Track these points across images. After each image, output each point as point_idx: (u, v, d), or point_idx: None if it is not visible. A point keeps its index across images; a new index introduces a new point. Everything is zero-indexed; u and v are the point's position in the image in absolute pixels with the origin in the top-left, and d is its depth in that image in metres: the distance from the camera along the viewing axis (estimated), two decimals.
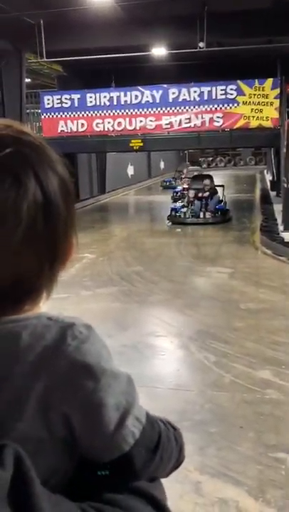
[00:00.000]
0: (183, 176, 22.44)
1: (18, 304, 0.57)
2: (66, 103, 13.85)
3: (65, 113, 13.88)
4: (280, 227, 10.37)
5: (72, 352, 0.55)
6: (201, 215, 12.19)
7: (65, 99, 13.87)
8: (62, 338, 0.55)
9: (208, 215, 12.20)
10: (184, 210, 12.43)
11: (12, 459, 0.45)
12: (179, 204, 13.13)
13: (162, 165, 34.39)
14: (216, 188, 13.14)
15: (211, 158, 40.49)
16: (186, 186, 15.65)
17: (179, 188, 17.32)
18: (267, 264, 8.22)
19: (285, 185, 10.60)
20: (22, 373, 0.53)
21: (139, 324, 5.49)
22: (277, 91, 12.59)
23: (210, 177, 13.60)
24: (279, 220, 11.00)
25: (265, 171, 28.33)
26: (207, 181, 13.12)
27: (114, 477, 0.59)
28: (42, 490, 0.46)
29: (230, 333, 5.03)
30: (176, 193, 16.93)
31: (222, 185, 13.43)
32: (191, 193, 12.95)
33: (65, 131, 13.94)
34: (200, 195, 12.63)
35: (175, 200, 15.54)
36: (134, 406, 0.59)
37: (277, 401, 3.63)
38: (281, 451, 3.02)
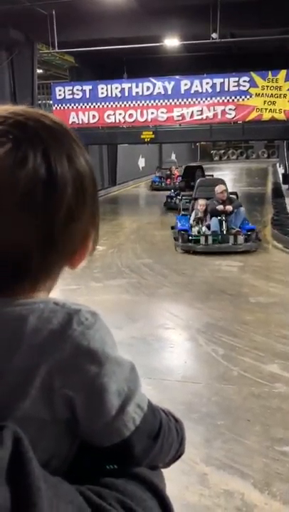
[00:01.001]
0: (174, 175, 18.26)
1: (12, 284, 0.57)
2: (78, 94, 13.83)
3: (77, 104, 13.87)
4: None
5: (77, 337, 0.56)
6: (231, 240, 8.31)
7: (77, 90, 13.85)
8: (68, 323, 0.56)
9: (240, 239, 8.31)
10: (197, 229, 8.64)
11: (11, 439, 0.46)
12: (186, 222, 9.11)
13: (174, 157, 34.24)
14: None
15: (222, 151, 40.29)
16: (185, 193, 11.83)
17: (172, 192, 14.04)
18: (278, 258, 8.18)
19: None
20: (27, 356, 0.54)
21: (149, 316, 5.50)
22: None
23: (223, 181, 9.83)
24: None
25: (278, 164, 28.09)
26: (222, 187, 9.05)
27: (114, 462, 0.60)
28: (40, 470, 0.47)
29: (239, 327, 5.02)
30: (171, 198, 13.46)
31: (235, 193, 10.00)
32: (202, 205, 8.95)
33: (77, 122, 13.92)
34: (219, 208, 8.70)
35: (169, 208, 12.59)
36: (136, 393, 0.60)
37: (285, 395, 3.62)
38: (288, 445, 3.02)
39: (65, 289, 6.01)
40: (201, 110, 13.04)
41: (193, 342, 4.75)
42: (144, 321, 5.33)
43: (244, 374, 3.96)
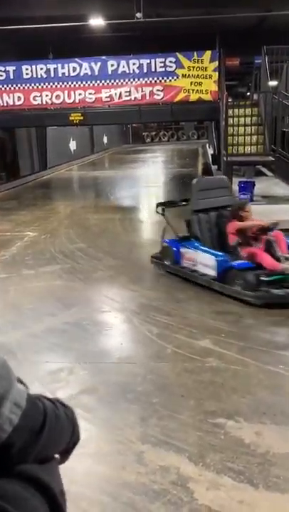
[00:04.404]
0: None
1: None
2: (1, 75, 13.25)
3: (0, 86, 13.29)
4: None
5: None
6: None
7: (0, 71, 13.26)
8: None
9: None
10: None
11: None
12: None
13: (105, 140, 33.94)
14: None
15: (154, 133, 40.40)
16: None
17: None
18: None
19: (225, 158, 10.75)
20: None
21: (84, 301, 5.45)
22: (216, 64, 12.60)
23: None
24: None
25: (207, 145, 28.60)
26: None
27: None
28: None
29: (173, 306, 5.11)
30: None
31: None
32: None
33: (1, 104, 13.37)
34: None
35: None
36: (9, 391, 0.56)
37: (217, 368, 3.74)
38: (220, 416, 3.12)
39: None
40: (129, 91, 12.93)
41: (129, 323, 4.78)
42: (79, 306, 5.28)
43: (177, 351, 4.04)
